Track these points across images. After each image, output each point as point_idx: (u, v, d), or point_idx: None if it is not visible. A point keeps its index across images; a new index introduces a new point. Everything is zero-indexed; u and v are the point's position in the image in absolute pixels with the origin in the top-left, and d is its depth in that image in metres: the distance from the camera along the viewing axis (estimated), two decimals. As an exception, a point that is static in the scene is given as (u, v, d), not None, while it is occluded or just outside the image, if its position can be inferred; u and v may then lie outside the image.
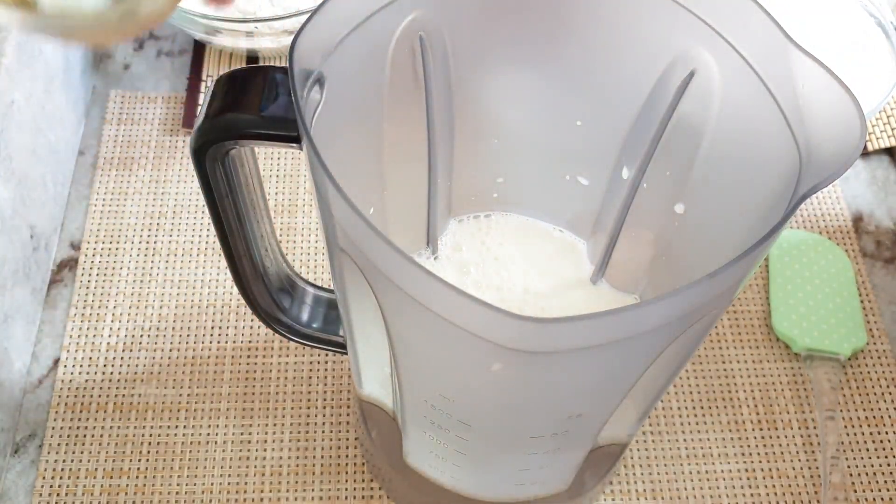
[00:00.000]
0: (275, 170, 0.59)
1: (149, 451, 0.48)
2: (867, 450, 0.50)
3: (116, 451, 0.48)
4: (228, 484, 0.48)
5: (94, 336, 0.52)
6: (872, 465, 0.50)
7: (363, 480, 0.48)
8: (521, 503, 0.42)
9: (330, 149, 0.27)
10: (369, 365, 0.39)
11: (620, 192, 0.41)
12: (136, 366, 0.51)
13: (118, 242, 0.55)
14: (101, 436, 0.49)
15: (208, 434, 0.49)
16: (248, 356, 0.51)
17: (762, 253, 0.27)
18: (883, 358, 0.53)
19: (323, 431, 0.49)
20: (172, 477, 0.48)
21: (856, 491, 0.49)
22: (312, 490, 0.48)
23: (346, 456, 0.49)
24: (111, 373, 0.51)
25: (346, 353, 0.42)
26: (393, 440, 0.41)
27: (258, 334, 0.52)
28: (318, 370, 0.51)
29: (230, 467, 0.48)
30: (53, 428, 0.49)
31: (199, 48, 0.64)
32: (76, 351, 0.51)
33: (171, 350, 0.51)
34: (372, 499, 0.47)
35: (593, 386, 0.32)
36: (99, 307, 0.53)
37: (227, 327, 0.52)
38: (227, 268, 0.38)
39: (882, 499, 0.49)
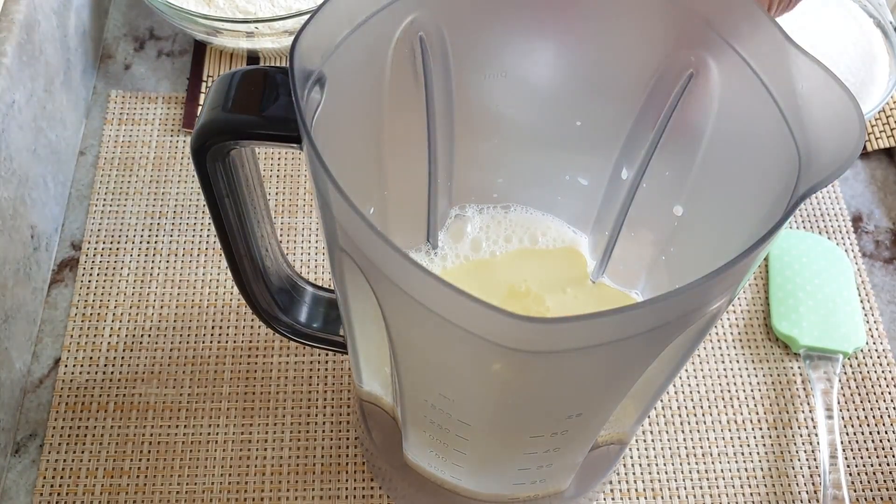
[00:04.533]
0: (275, 170, 0.59)
1: (149, 451, 0.48)
2: (867, 449, 0.50)
3: (117, 451, 0.48)
4: (229, 483, 0.48)
5: (95, 336, 0.52)
6: (872, 465, 0.50)
7: (363, 480, 0.48)
8: (520, 502, 0.42)
9: (330, 149, 0.27)
10: (369, 364, 0.39)
11: (620, 192, 0.41)
12: (137, 365, 0.51)
13: (119, 242, 0.55)
14: (102, 435, 0.49)
15: (209, 433, 0.49)
16: (249, 356, 0.52)
17: (761, 253, 0.27)
18: (882, 358, 0.53)
19: (323, 431, 0.49)
20: (173, 476, 0.48)
21: (855, 490, 0.49)
22: (313, 489, 0.48)
23: (347, 455, 0.49)
24: (112, 372, 0.51)
25: (346, 353, 0.42)
26: (393, 440, 0.42)
27: (258, 334, 0.52)
28: (319, 370, 0.51)
29: (231, 467, 0.48)
30: (54, 427, 0.49)
31: (199, 48, 0.64)
32: (77, 351, 0.51)
33: (171, 350, 0.52)
34: (372, 498, 0.47)
35: (593, 386, 0.32)
36: (99, 307, 0.53)
37: (228, 327, 0.52)
38: (228, 268, 0.38)
39: (882, 498, 0.49)
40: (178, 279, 0.54)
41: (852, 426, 0.51)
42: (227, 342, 0.52)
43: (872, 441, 0.50)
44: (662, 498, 0.48)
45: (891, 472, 0.49)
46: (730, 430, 0.50)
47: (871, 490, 0.49)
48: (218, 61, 0.63)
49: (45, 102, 0.54)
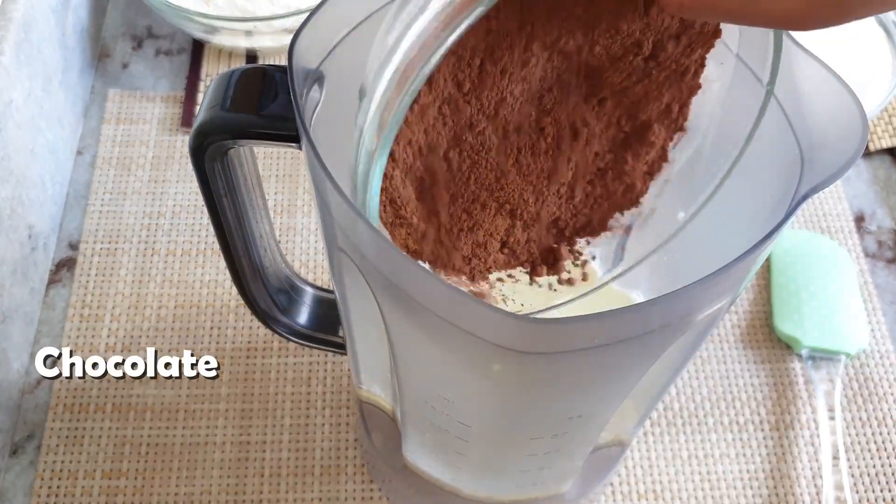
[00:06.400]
0: (274, 170, 0.59)
1: (147, 452, 0.48)
2: (869, 451, 0.50)
3: (115, 452, 0.48)
4: (227, 485, 0.47)
5: (93, 337, 0.52)
6: (874, 467, 0.49)
7: (363, 482, 0.48)
8: (521, 504, 0.42)
9: (329, 148, 0.27)
10: (369, 366, 0.39)
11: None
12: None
13: (117, 242, 0.55)
14: (100, 437, 0.48)
15: (207, 435, 0.49)
16: (247, 357, 0.51)
17: (763, 253, 0.27)
18: (885, 359, 0.53)
19: (322, 433, 0.49)
20: (171, 478, 0.47)
21: (858, 492, 0.49)
22: (311, 491, 0.47)
23: (346, 457, 0.48)
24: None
25: (345, 354, 0.42)
26: (393, 441, 0.41)
27: (257, 335, 0.52)
28: (318, 371, 0.51)
29: (229, 468, 0.48)
30: (52, 429, 0.48)
31: (197, 47, 0.63)
32: (75, 351, 0.51)
33: (169, 350, 0.51)
34: (371, 500, 0.47)
35: (593, 387, 0.32)
36: (97, 307, 0.53)
37: (226, 328, 0.52)
38: (226, 268, 0.38)
39: (884, 500, 0.48)
40: (176, 279, 0.54)
41: (855, 428, 0.51)
42: (225, 343, 0.52)
43: (875, 443, 0.50)
44: (664, 500, 0.48)
45: (894, 474, 0.49)
46: (731, 432, 0.50)
47: (874, 492, 0.49)
48: (216, 60, 0.63)
49: (42, 102, 0.53)
